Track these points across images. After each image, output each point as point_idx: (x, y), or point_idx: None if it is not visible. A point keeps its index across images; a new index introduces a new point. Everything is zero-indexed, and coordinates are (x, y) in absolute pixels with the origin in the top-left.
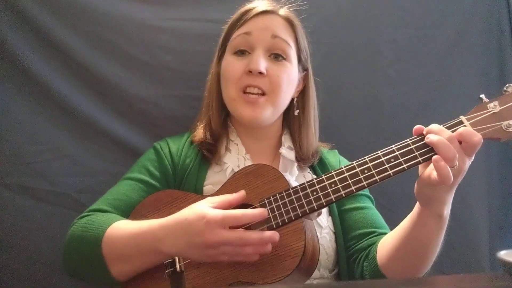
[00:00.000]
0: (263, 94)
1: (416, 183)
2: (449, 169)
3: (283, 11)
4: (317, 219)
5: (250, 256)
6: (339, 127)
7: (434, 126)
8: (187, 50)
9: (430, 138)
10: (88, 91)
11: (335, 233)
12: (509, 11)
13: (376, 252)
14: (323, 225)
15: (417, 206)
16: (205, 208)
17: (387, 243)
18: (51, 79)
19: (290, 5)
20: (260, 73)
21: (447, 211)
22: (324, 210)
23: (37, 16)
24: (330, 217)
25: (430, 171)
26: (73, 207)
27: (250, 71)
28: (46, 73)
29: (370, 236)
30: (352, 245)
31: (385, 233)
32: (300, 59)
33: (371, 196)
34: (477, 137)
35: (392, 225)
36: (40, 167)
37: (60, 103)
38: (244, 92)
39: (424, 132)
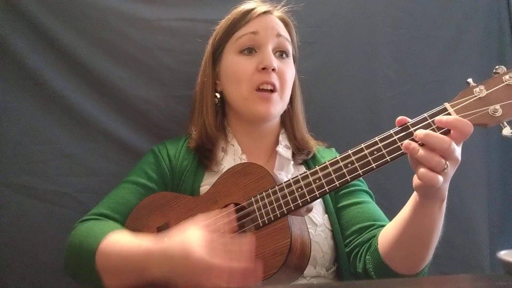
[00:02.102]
0: (273, 90)
1: (414, 181)
2: (436, 175)
3: (277, 12)
4: (311, 216)
5: (236, 285)
6: (338, 127)
7: (429, 138)
8: (187, 51)
9: (419, 155)
10: (88, 91)
11: (332, 230)
12: (509, 11)
13: (377, 244)
14: (318, 223)
15: (417, 196)
16: (192, 243)
17: (388, 234)
18: (52, 79)
19: (291, 7)
20: (273, 69)
21: (446, 192)
22: (320, 208)
23: (38, 16)
24: (326, 215)
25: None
26: (73, 206)
27: (263, 68)
28: (47, 73)
29: (370, 229)
30: (353, 240)
31: (384, 225)
32: (294, 56)
33: (370, 191)
34: (470, 126)
35: None
36: (40, 167)
37: (60, 103)
38: (257, 90)
39: (418, 139)
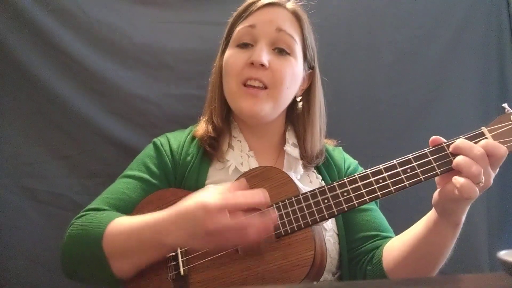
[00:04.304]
0: (264, 88)
1: (437, 195)
2: (473, 185)
3: (290, 5)
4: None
5: (253, 238)
6: (339, 127)
7: (462, 144)
8: (187, 50)
9: (457, 161)
10: (87, 91)
11: (338, 235)
12: (509, 11)
13: (381, 257)
14: (327, 228)
15: (433, 214)
16: (205, 196)
17: (395, 249)
18: (50, 79)
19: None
20: (262, 65)
21: (464, 217)
22: None
23: (37, 17)
24: (334, 219)
25: (454, 186)
26: (71, 208)
27: (252, 63)
28: (46, 74)
29: (374, 239)
30: (355, 248)
31: (389, 237)
32: (306, 56)
33: None
34: (503, 149)
35: (393, 226)
36: (39, 168)
37: (59, 103)
38: (245, 85)
39: (451, 150)
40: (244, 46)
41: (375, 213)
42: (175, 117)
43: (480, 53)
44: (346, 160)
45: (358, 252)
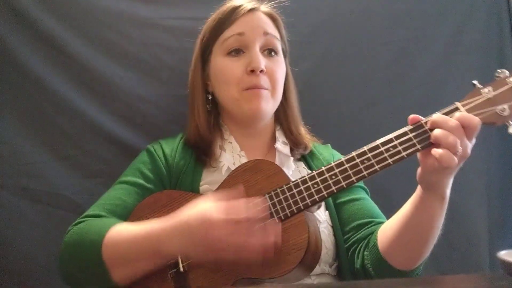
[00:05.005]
0: (264, 88)
1: (420, 170)
2: (452, 155)
3: (264, 8)
4: (316, 213)
5: (253, 255)
6: (336, 127)
7: (438, 118)
8: (187, 49)
9: (435, 134)
10: (86, 91)
11: (332, 226)
12: (509, 11)
13: (376, 240)
14: (321, 220)
15: (419, 191)
16: (208, 209)
17: (388, 230)
18: (49, 78)
19: (288, 6)
20: (261, 70)
21: (448, 191)
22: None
23: (36, 16)
24: (327, 211)
25: (434, 158)
26: (70, 208)
27: (251, 71)
28: (44, 73)
29: (368, 226)
30: (350, 237)
31: (382, 222)
32: (284, 50)
33: (365, 187)
34: (476, 120)
35: None
36: (38, 168)
37: (58, 103)
38: (246, 90)
39: (428, 125)
40: (235, 53)
41: (366, 201)
42: (175, 118)
43: (480, 53)
44: (334, 156)
45: (354, 240)
